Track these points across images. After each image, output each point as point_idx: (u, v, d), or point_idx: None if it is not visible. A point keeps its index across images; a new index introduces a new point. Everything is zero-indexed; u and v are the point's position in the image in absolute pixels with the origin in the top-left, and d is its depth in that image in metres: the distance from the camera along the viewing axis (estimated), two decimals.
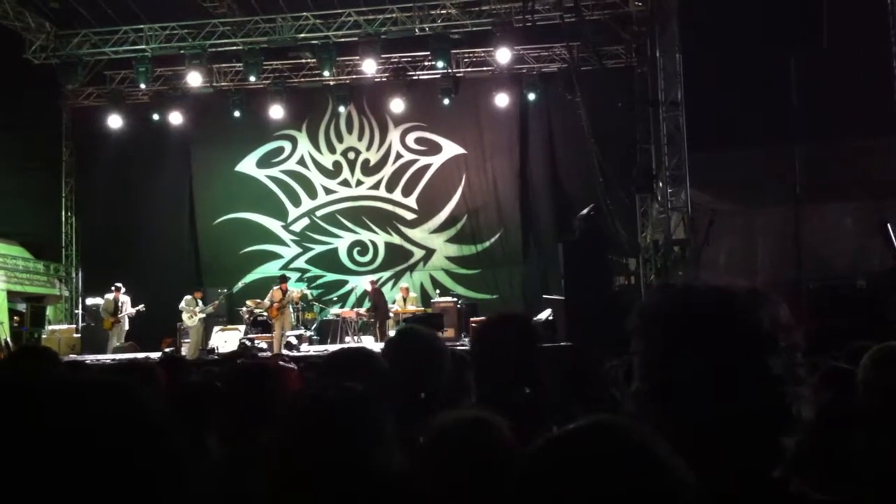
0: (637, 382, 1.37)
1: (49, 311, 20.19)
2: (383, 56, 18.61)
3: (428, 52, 18.41)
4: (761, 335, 1.32)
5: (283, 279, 17.21)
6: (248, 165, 20.71)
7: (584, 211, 14.84)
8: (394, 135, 20.30)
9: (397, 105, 19.35)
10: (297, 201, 20.63)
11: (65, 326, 19.09)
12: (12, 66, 18.34)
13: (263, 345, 15.79)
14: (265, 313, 16.91)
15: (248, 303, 17.46)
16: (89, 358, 14.58)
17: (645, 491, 1.08)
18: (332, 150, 20.58)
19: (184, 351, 16.38)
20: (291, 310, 16.93)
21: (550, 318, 15.14)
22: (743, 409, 1.29)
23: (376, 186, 20.41)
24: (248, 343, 15.67)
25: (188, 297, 17.29)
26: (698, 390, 1.30)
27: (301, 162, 20.65)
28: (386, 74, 19.45)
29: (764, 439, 1.30)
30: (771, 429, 1.30)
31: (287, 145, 20.66)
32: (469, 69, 19.40)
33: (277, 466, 2.04)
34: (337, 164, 20.57)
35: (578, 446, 1.14)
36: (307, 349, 15.97)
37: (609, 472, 1.08)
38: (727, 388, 1.29)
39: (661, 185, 15.57)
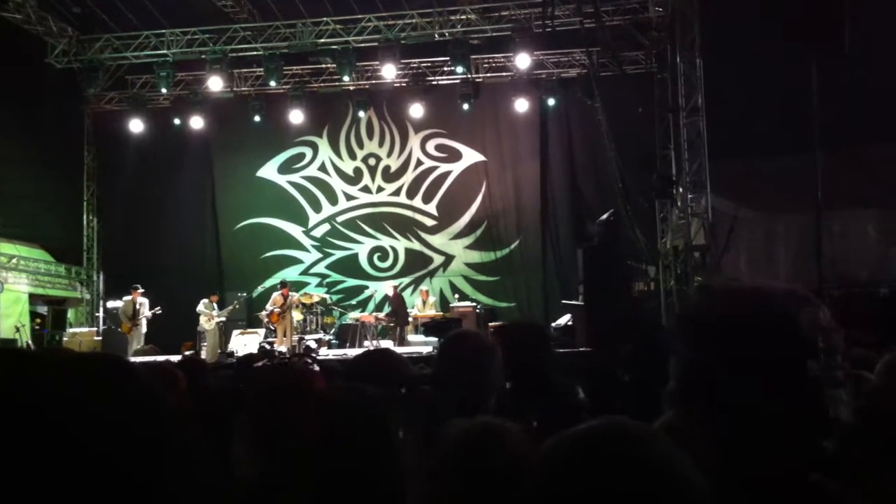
0: (673, 382, 1.36)
1: (70, 314, 20.31)
2: (403, 61, 18.66)
3: (447, 58, 18.44)
4: (799, 336, 1.30)
5: (284, 284, 17.29)
6: (269, 171, 20.77)
7: (604, 217, 14.82)
8: (414, 141, 20.30)
9: (417, 110, 19.37)
10: (318, 207, 20.67)
11: (85, 329, 19.14)
12: (34, 71, 18.46)
13: (283, 348, 15.82)
14: (266, 319, 17.02)
15: (268, 306, 17.55)
16: None
17: (653, 494, 1.07)
18: (352, 156, 20.61)
19: (203, 354, 16.46)
20: (294, 315, 16.97)
21: (569, 323, 15.13)
22: (779, 410, 1.27)
23: (397, 193, 20.42)
24: (267, 346, 15.70)
25: (205, 300, 17.44)
26: (734, 391, 1.29)
27: (322, 168, 20.68)
28: (405, 80, 19.48)
29: (800, 441, 1.29)
30: (808, 431, 1.29)
31: (308, 151, 20.70)
32: (488, 74, 19.39)
33: (297, 474, 2.00)
34: (358, 171, 20.61)
35: (586, 450, 1.13)
36: (326, 353, 15.99)
37: (617, 476, 1.08)
38: (763, 389, 1.28)
39: (680, 190, 15.52)
